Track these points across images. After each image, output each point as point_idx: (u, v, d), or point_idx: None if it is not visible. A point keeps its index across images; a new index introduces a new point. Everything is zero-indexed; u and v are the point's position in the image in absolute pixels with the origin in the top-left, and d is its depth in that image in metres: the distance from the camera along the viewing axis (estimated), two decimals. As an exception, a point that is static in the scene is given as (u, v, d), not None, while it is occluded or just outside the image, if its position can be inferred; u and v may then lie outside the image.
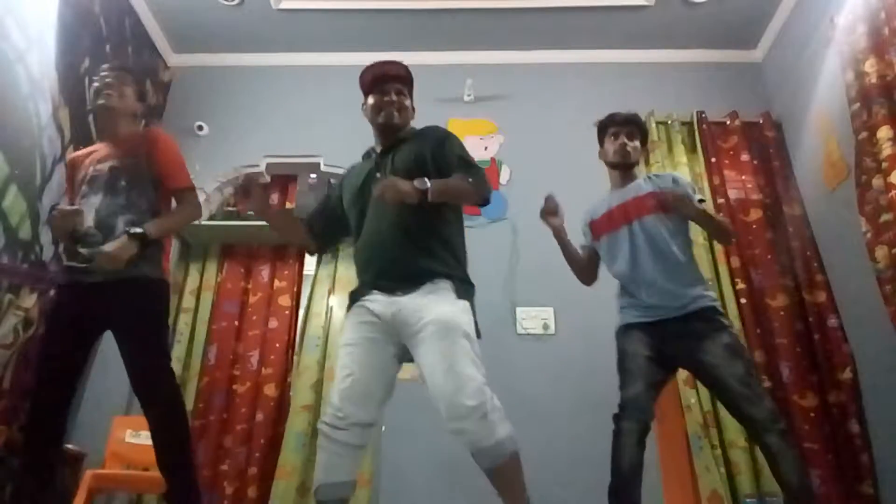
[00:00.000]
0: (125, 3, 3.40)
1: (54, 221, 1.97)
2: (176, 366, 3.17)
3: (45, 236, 2.72)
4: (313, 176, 3.48)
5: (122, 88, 2.15)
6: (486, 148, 3.57)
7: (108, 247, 1.89)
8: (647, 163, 3.47)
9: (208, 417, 3.14)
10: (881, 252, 2.45)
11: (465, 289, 1.76)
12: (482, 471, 1.60)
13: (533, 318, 3.12)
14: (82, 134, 2.97)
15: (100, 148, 2.17)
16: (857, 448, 2.67)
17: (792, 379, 2.92)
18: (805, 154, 3.28)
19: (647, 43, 3.77)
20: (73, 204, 2.10)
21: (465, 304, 1.72)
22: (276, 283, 3.51)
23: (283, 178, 3.74)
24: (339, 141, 3.63)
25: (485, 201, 1.85)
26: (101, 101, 2.12)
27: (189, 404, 3.15)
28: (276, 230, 2.16)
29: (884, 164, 2.45)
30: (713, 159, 3.39)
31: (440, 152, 1.86)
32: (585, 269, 2.39)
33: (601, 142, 2.40)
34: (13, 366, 2.52)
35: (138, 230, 1.94)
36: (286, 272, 3.55)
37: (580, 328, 3.04)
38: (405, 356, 1.76)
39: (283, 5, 3.56)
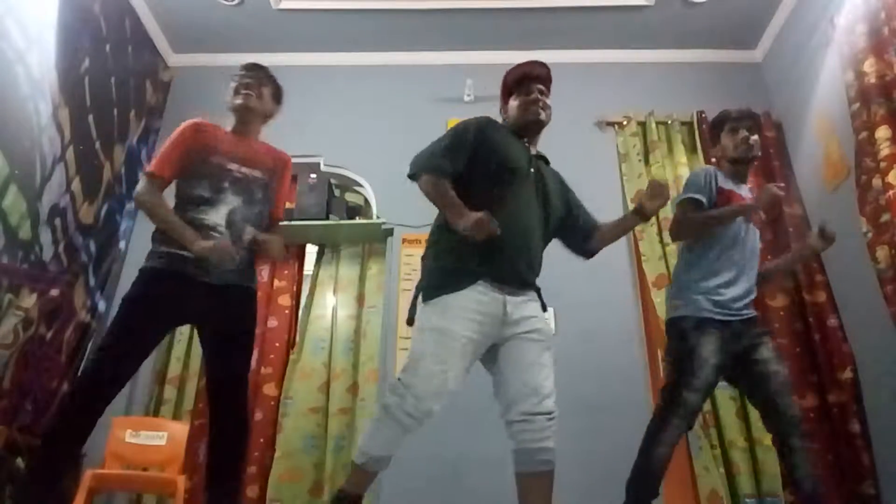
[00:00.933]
0: (125, 3, 3.40)
1: (215, 254, 1.84)
2: (175, 365, 3.19)
3: (45, 236, 2.72)
4: (313, 176, 3.48)
5: (260, 90, 2.13)
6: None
7: (271, 240, 1.95)
8: (646, 162, 3.48)
9: (207, 416, 3.13)
10: (882, 252, 2.45)
11: (543, 303, 1.85)
12: (518, 474, 1.62)
13: (533, 318, 3.12)
14: (82, 134, 2.97)
15: (236, 143, 2.04)
16: (858, 448, 2.67)
17: (792, 379, 2.89)
18: (805, 154, 3.28)
19: (647, 43, 3.77)
20: (175, 172, 1.96)
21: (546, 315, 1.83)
22: (276, 282, 3.51)
23: (284, 178, 3.73)
24: (339, 141, 3.64)
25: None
26: (238, 101, 2.07)
27: (189, 404, 3.15)
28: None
29: (882, 164, 2.45)
30: (713, 159, 3.38)
31: (575, 201, 2.02)
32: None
33: (715, 139, 2.33)
34: (13, 366, 2.52)
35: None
36: (286, 272, 3.55)
37: (580, 328, 3.04)
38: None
39: (283, 5, 3.56)
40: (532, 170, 1.84)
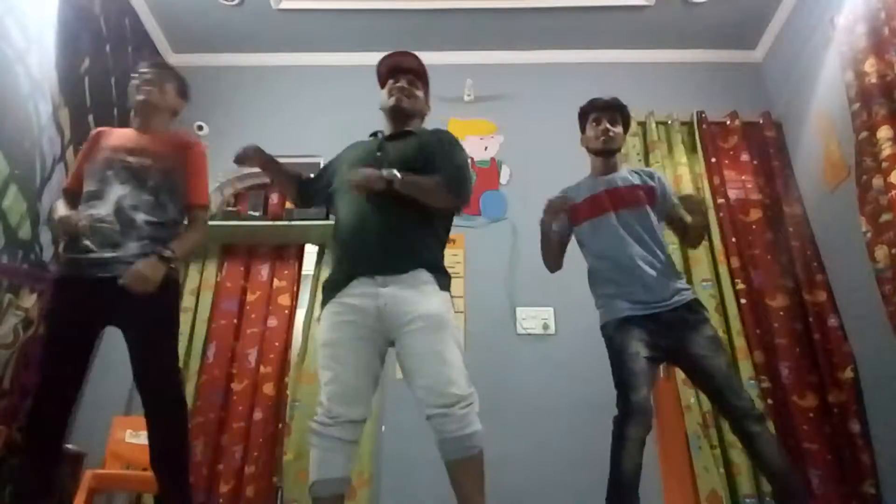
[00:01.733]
0: (125, 3, 3.40)
1: (58, 226, 1.96)
2: (175, 365, 3.19)
3: (45, 236, 2.72)
4: (313, 176, 3.48)
5: (161, 84, 2.15)
6: (486, 148, 3.57)
7: (141, 266, 1.86)
8: (646, 162, 3.47)
9: (206, 415, 3.14)
10: (881, 252, 2.45)
11: (446, 279, 1.80)
12: (447, 463, 1.63)
13: (533, 318, 3.12)
14: (82, 134, 2.97)
15: (132, 137, 2.11)
16: (858, 448, 2.67)
17: (792, 379, 2.92)
18: (805, 154, 3.28)
19: (647, 43, 3.77)
20: (81, 178, 2.06)
21: (447, 295, 1.77)
22: (276, 282, 3.51)
23: (283, 178, 3.74)
24: (339, 141, 3.59)
25: (455, 207, 1.88)
26: (140, 97, 2.10)
27: (188, 402, 3.15)
28: (272, 177, 2.22)
29: (884, 164, 2.45)
30: (713, 159, 3.39)
31: (440, 154, 1.89)
32: (558, 254, 2.33)
33: (582, 128, 2.37)
34: (13, 366, 2.52)
35: (169, 253, 1.93)
36: (286, 271, 3.55)
37: (580, 328, 3.04)
38: (387, 346, 1.77)
39: (283, 5, 3.56)
40: (378, 153, 1.89)
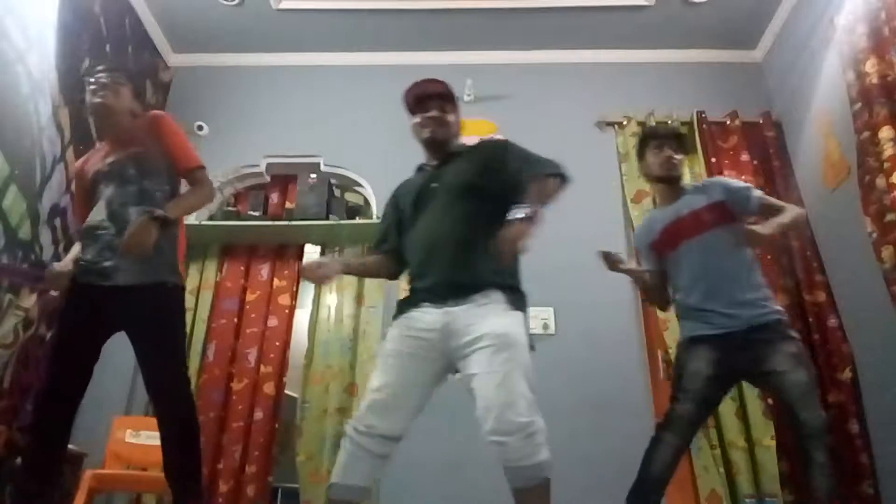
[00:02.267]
0: (125, 3, 3.40)
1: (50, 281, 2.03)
2: (175, 365, 3.19)
3: (45, 236, 2.72)
4: (313, 176, 3.48)
5: (116, 87, 2.13)
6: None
7: (133, 230, 1.81)
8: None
9: (206, 415, 3.14)
10: (887, 252, 2.45)
11: (518, 299, 1.74)
12: (512, 488, 1.56)
13: (533, 318, 3.08)
14: (82, 134, 2.98)
15: (102, 148, 2.16)
16: (857, 448, 2.67)
17: (792, 379, 2.92)
18: (805, 154, 3.28)
19: (647, 43, 3.77)
20: (86, 209, 2.08)
21: (520, 315, 1.70)
22: (276, 281, 3.51)
23: (283, 178, 3.74)
24: (339, 141, 3.64)
25: (566, 180, 1.87)
26: (96, 101, 2.09)
27: (189, 404, 3.15)
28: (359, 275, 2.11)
29: (885, 165, 2.45)
30: (713, 159, 3.39)
31: (500, 163, 1.88)
32: (662, 289, 2.30)
33: (641, 155, 2.32)
34: (13, 366, 2.52)
35: (160, 212, 1.88)
36: (286, 271, 3.55)
37: (580, 328, 3.04)
38: (450, 370, 1.72)
39: (283, 5, 3.56)
40: (434, 184, 1.87)
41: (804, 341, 2.96)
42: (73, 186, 2.19)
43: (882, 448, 2.62)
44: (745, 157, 3.43)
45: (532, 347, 1.70)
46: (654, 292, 2.31)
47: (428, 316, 1.69)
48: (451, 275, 1.71)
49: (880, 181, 2.50)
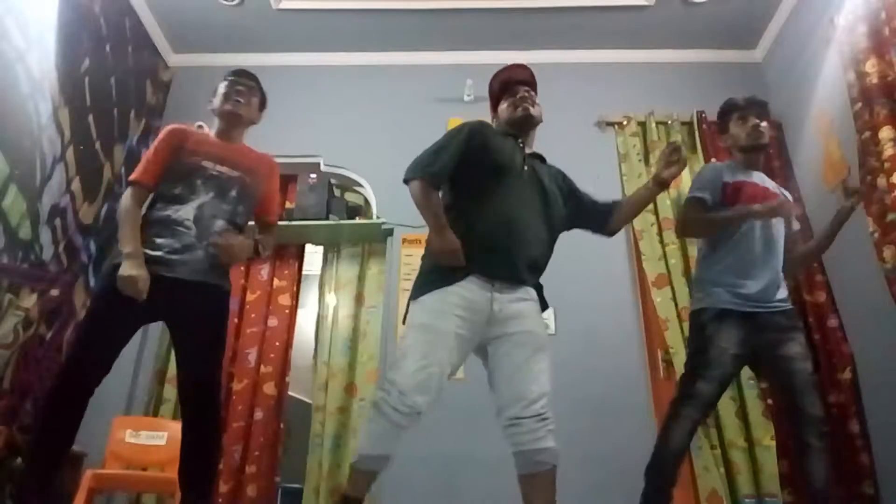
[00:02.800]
0: (125, 3, 3.40)
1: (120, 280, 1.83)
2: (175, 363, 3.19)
3: (45, 236, 2.72)
4: (313, 176, 3.48)
5: (250, 99, 2.15)
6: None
7: (237, 243, 1.94)
8: (646, 162, 3.48)
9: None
10: (889, 252, 2.45)
11: (544, 302, 1.85)
12: (524, 473, 1.63)
13: (533, 318, 3.12)
14: (82, 134, 2.98)
15: (218, 146, 2.09)
16: (857, 448, 2.67)
17: (792, 379, 2.92)
18: (805, 154, 3.28)
19: (647, 43, 3.77)
20: (157, 175, 2.00)
21: (544, 316, 1.82)
22: (276, 281, 3.51)
23: (283, 178, 3.71)
24: (339, 141, 3.64)
25: None
26: (229, 107, 2.10)
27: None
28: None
29: (886, 164, 2.45)
30: (713, 159, 3.39)
31: (579, 189, 2.04)
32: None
33: (724, 129, 2.30)
34: (13, 366, 2.52)
35: (262, 249, 2.05)
36: (286, 271, 3.55)
37: (580, 328, 3.04)
38: (480, 349, 1.77)
39: (283, 5, 3.56)
40: (526, 167, 1.86)
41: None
42: (162, 143, 2.05)
43: (882, 448, 2.62)
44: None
45: None
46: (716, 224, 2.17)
47: (476, 296, 1.69)
48: (516, 263, 1.73)
49: (881, 181, 2.50)
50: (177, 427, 2.86)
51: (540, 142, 2.07)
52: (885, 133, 2.48)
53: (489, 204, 1.75)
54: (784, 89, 3.50)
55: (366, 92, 3.76)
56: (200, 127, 3.59)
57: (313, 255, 3.72)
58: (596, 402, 2.88)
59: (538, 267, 1.82)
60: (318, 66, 3.88)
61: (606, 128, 3.62)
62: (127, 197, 1.97)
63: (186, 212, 1.94)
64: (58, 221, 2.80)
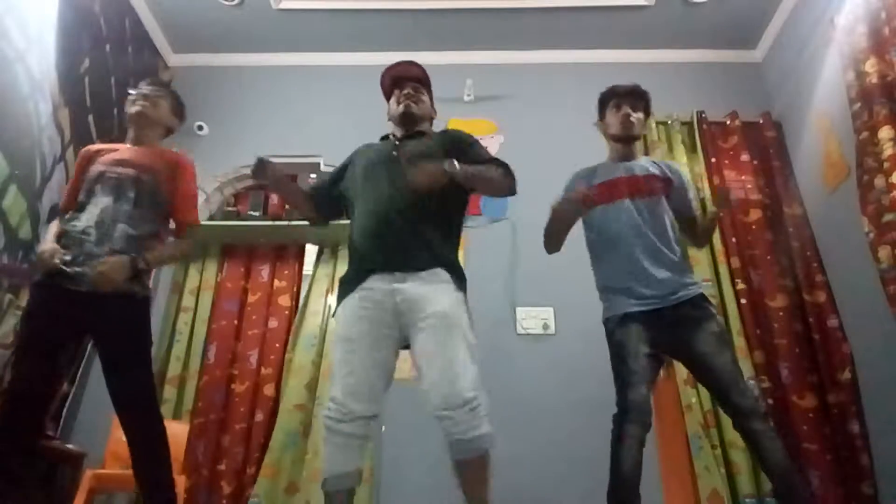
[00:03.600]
0: (125, 3, 3.40)
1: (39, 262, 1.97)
2: (175, 364, 3.19)
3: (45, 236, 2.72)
4: (313, 176, 3.48)
5: (157, 100, 2.20)
6: (486, 148, 3.57)
7: (104, 266, 1.89)
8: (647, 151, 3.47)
9: (207, 416, 3.14)
10: (884, 252, 2.45)
11: (461, 281, 1.81)
12: (454, 461, 1.64)
13: (533, 318, 3.12)
14: (82, 134, 2.97)
15: (121, 150, 2.15)
16: (857, 448, 2.67)
17: (791, 379, 2.92)
18: (805, 154, 3.28)
19: (647, 43, 3.77)
20: (76, 197, 2.09)
21: (462, 296, 1.78)
22: (276, 282, 3.51)
23: (283, 178, 3.73)
24: (339, 141, 3.61)
25: (511, 192, 1.95)
26: (134, 109, 2.15)
27: (189, 404, 3.15)
28: (285, 197, 2.19)
29: (885, 165, 2.45)
30: (713, 159, 3.39)
31: (466, 151, 1.94)
32: (564, 236, 2.23)
33: (602, 115, 2.30)
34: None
35: (142, 263, 1.97)
36: (286, 272, 3.55)
37: (580, 328, 3.03)
38: (403, 342, 1.78)
39: (283, 5, 3.56)
40: (394, 153, 1.93)
41: (804, 342, 2.99)
42: (76, 167, 2.16)
43: (882, 448, 2.62)
44: (745, 157, 3.43)
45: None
46: (560, 233, 2.21)
47: (378, 294, 1.73)
48: (402, 250, 1.75)
49: (879, 181, 2.50)
50: (177, 427, 2.88)
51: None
52: (884, 133, 2.48)
53: (357, 211, 1.90)
54: (784, 89, 3.50)
55: (366, 92, 3.73)
56: (200, 127, 3.61)
57: (313, 256, 3.71)
58: (596, 402, 2.87)
59: (423, 246, 1.77)
60: (318, 66, 3.88)
61: (606, 128, 3.61)
62: (49, 227, 2.10)
63: (88, 219, 1.98)
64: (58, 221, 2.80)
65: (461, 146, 1.96)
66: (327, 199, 2.09)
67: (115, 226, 1.98)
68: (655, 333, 1.97)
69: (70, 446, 2.65)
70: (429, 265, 1.75)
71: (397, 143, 1.99)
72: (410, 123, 2.03)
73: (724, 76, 3.74)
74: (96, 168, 2.08)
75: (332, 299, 3.41)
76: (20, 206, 2.54)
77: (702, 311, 2.00)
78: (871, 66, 2.60)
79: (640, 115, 2.22)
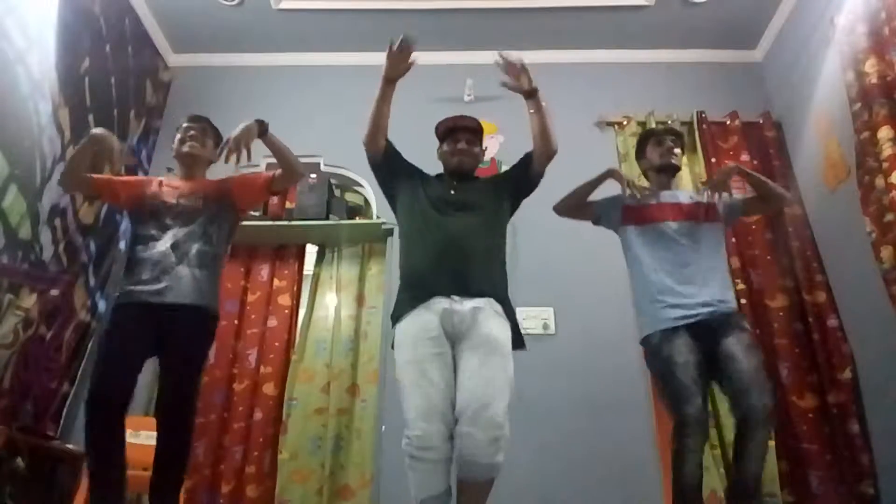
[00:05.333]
0: (125, 3, 3.40)
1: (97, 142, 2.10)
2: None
3: (45, 236, 2.72)
4: (313, 176, 3.48)
5: (204, 140, 2.33)
6: (485, 148, 3.56)
7: (236, 131, 2.07)
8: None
9: (208, 416, 3.14)
10: (886, 252, 2.45)
11: (512, 313, 1.90)
12: (459, 477, 1.68)
13: (533, 318, 3.11)
14: (82, 134, 2.97)
15: (181, 184, 2.27)
16: (857, 448, 2.67)
17: (791, 379, 2.92)
18: (805, 154, 3.28)
19: (647, 43, 3.77)
20: (124, 197, 2.22)
21: (510, 325, 1.86)
22: (276, 282, 3.51)
23: (283, 178, 3.74)
24: (339, 141, 3.62)
25: (554, 152, 2.12)
26: (185, 150, 2.29)
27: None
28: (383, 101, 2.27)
29: (885, 165, 2.45)
30: (713, 159, 3.39)
31: (509, 171, 2.19)
32: (583, 202, 2.39)
33: (642, 153, 2.43)
34: (13, 366, 2.52)
35: (265, 121, 2.18)
36: (286, 271, 3.55)
37: (580, 328, 3.04)
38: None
39: (283, 5, 3.56)
40: (452, 192, 2.05)
41: (804, 342, 2.99)
42: (140, 180, 2.30)
43: (882, 448, 2.62)
44: (745, 157, 3.43)
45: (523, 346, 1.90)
46: (582, 197, 2.38)
47: (437, 313, 1.79)
48: (465, 276, 1.84)
49: (879, 181, 2.51)
50: (177, 427, 2.88)
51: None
52: (883, 133, 2.48)
53: (419, 227, 2.00)
54: (784, 89, 3.50)
55: (366, 92, 3.72)
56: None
57: (313, 256, 3.72)
58: (596, 402, 2.89)
59: (484, 275, 1.89)
60: (318, 66, 3.88)
61: (606, 128, 3.61)
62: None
63: (163, 245, 2.09)
64: (58, 221, 2.80)
65: (505, 173, 2.23)
66: (397, 160, 2.18)
67: (190, 245, 2.10)
68: (703, 343, 2.02)
69: (70, 446, 2.65)
70: (486, 294, 1.84)
71: (453, 191, 2.07)
72: (462, 175, 2.12)
73: (724, 76, 3.74)
74: (162, 200, 2.18)
75: (337, 300, 3.45)
76: (20, 206, 2.54)
77: (739, 323, 2.08)
78: (870, 66, 2.60)
79: (679, 150, 2.37)
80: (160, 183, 2.27)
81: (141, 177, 2.34)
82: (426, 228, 1.96)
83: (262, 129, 2.15)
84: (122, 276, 2.12)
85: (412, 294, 1.87)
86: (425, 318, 1.79)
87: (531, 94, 2.07)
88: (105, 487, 1.84)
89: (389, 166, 2.15)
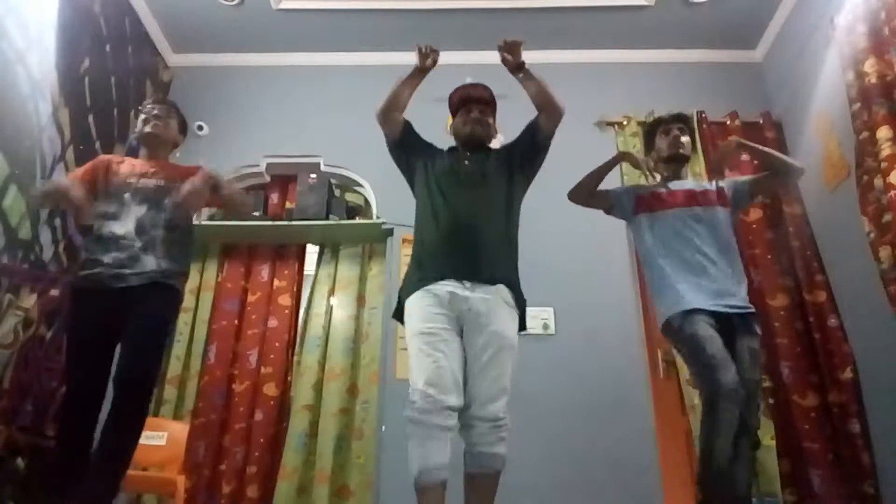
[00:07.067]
0: (125, 3, 3.40)
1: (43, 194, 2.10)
2: (175, 364, 3.20)
3: (45, 236, 2.72)
4: (313, 176, 3.48)
5: (167, 120, 2.32)
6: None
7: (185, 187, 2.03)
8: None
9: (208, 416, 3.14)
10: (885, 252, 2.45)
11: (521, 302, 1.90)
12: (466, 474, 1.72)
13: (533, 318, 3.11)
14: (82, 134, 2.97)
15: (142, 165, 2.25)
16: (858, 448, 2.67)
17: (792, 379, 2.92)
18: (805, 154, 3.28)
19: (647, 43, 3.77)
20: (90, 201, 2.12)
21: (516, 314, 1.87)
22: (276, 282, 3.51)
23: (283, 178, 3.74)
24: (339, 141, 3.64)
25: (562, 113, 2.16)
26: (147, 130, 2.27)
27: (189, 404, 3.15)
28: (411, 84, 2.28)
29: (883, 165, 2.45)
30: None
31: (517, 140, 2.16)
32: (593, 195, 2.40)
33: (650, 145, 2.43)
34: (13, 366, 2.52)
35: (215, 171, 2.16)
36: (286, 272, 3.55)
37: (580, 328, 3.04)
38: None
39: (283, 5, 3.56)
40: (466, 162, 2.05)
41: (804, 341, 2.99)
42: (89, 166, 2.24)
43: (882, 448, 2.62)
44: (745, 157, 3.42)
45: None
46: (596, 182, 2.38)
47: (447, 295, 1.79)
48: (477, 260, 1.83)
49: (878, 181, 2.51)
50: (177, 427, 2.89)
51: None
52: (882, 133, 2.48)
53: (434, 207, 1.99)
54: (784, 89, 3.50)
55: (366, 92, 3.73)
56: (200, 127, 3.61)
57: (314, 256, 3.72)
58: (596, 402, 2.89)
59: (496, 260, 1.87)
60: (318, 66, 3.88)
61: (606, 128, 3.62)
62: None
63: (124, 226, 2.09)
64: (58, 221, 2.80)
65: (513, 142, 2.17)
66: (413, 137, 2.20)
67: (154, 231, 2.09)
68: (718, 325, 2.01)
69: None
70: (497, 281, 1.84)
71: (466, 161, 2.07)
72: (474, 146, 2.11)
73: (724, 76, 3.74)
74: (119, 179, 2.17)
75: (334, 300, 3.45)
76: (20, 206, 2.54)
77: (752, 326, 2.07)
78: (870, 65, 2.61)
79: (687, 137, 2.36)
80: (120, 162, 2.26)
81: (96, 159, 2.30)
82: (440, 206, 1.95)
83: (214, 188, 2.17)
84: (84, 250, 2.12)
85: (422, 275, 1.86)
86: (435, 296, 1.79)
87: (520, 68, 2.10)
88: (64, 477, 1.86)
89: (406, 143, 2.16)
